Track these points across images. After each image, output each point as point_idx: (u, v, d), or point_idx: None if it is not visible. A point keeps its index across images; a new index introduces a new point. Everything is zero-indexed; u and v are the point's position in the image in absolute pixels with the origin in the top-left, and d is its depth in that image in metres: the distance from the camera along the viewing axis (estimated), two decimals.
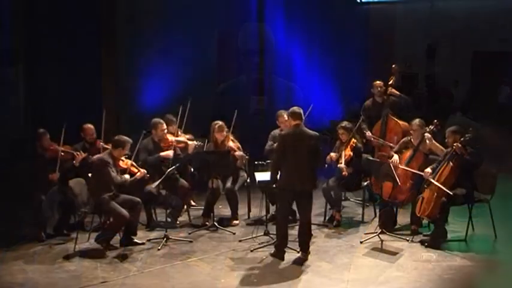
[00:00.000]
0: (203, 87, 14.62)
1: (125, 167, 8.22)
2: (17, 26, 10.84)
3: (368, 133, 9.40)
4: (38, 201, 8.31)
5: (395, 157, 8.47)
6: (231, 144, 9.02)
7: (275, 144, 8.81)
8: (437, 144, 8.34)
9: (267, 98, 15.28)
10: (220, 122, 9.08)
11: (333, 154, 8.80)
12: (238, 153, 9.00)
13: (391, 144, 9.17)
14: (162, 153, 8.81)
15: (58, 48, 12.37)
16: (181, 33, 14.74)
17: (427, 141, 8.32)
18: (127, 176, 8.11)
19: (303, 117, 7.64)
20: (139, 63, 14.78)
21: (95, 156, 8.40)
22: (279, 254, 7.53)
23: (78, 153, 8.58)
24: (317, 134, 7.51)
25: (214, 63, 14.90)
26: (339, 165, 8.65)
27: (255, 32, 15.20)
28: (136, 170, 8.32)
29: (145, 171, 8.41)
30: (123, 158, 8.22)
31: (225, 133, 9.03)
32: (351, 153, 8.70)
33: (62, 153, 8.46)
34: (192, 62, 14.85)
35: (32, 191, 8.39)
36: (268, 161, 8.68)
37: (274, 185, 7.62)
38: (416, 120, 8.55)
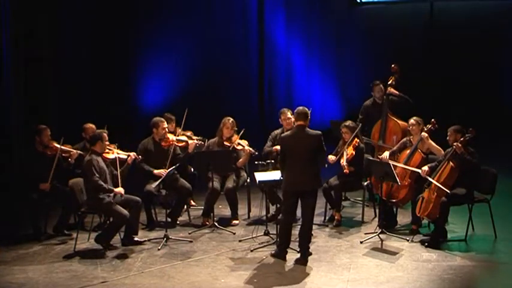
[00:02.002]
0: (204, 87, 14.63)
1: (113, 157, 8.20)
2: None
3: (362, 139, 9.33)
4: (32, 201, 8.33)
5: (386, 154, 8.49)
6: (239, 141, 9.01)
7: (275, 147, 8.86)
8: (434, 144, 8.34)
9: (268, 97, 15.27)
10: (232, 119, 9.09)
11: (332, 157, 8.76)
12: (248, 148, 8.97)
13: (389, 146, 9.15)
14: (155, 171, 8.71)
15: (57, 48, 12.39)
16: (182, 33, 14.75)
17: (425, 140, 8.32)
18: (121, 190, 7.99)
19: (309, 118, 7.57)
20: (140, 63, 14.79)
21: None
22: (281, 254, 7.51)
23: (74, 151, 8.59)
24: (319, 132, 7.48)
25: (215, 63, 14.89)
26: (341, 163, 8.65)
27: (255, 31, 15.20)
28: (125, 156, 8.32)
29: (134, 154, 8.41)
30: (107, 148, 8.19)
31: (233, 131, 9.03)
32: (353, 152, 8.70)
33: (61, 153, 8.46)
34: (193, 62, 14.85)
35: (28, 190, 8.42)
36: (268, 161, 8.68)
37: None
38: (413, 118, 8.55)
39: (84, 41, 13.67)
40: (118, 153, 8.33)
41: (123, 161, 8.35)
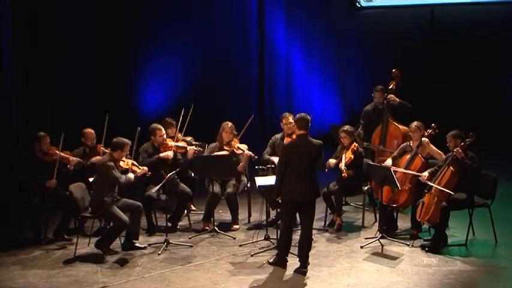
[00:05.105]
0: (203, 90, 14.62)
1: (126, 167, 8.24)
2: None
3: (363, 144, 9.31)
4: (32, 206, 8.34)
5: (388, 161, 8.50)
6: (238, 145, 9.01)
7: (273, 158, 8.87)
8: (435, 148, 8.35)
9: (268, 101, 15.27)
10: (231, 123, 9.08)
11: (331, 161, 8.76)
12: (247, 152, 8.96)
13: (390, 150, 9.16)
14: (161, 154, 8.80)
15: (56, 50, 12.38)
16: (181, 35, 14.75)
17: (425, 145, 8.32)
18: (131, 175, 8.12)
19: (309, 125, 7.39)
20: (140, 64, 14.79)
21: (95, 158, 8.50)
22: (280, 262, 7.46)
23: (73, 158, 8.60)
24: (321, 142, 7.42)
25: (215, 66, 14.89)
26: (339, 167, 8.64)
27: (255, 35, 15.20)
28: (137, 169, 8.35)
29: (147, 168, 8.43)
30: (123, 158, 8.23)
31: (233, 135, 9.03)
32: (352, 157, 8.69)
33: (61, 159, 8.47)
34: (193, 63, 14.85)
35: (28, 195, 8.43)
36: (268, 166, 8.70)
37: (278, 198, 7.54)
38: (414, 123, 8.56)
39: (84, 43, 13.67)
40: (132, 164, 8.34)
41: (134, 173, 8.35)
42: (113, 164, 7.96)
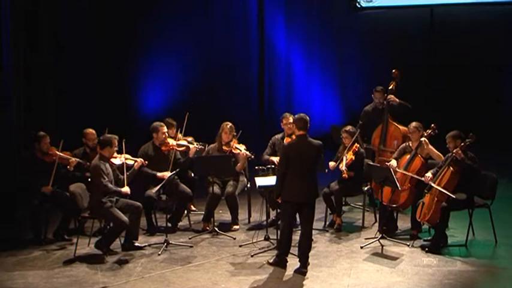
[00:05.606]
0: (204, 92, 14.62)
1: (120, 162, 8.22)
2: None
3: (363, 144, 9.32)
4: (32, 206, 8.34)
5: (393, 162, 8.49)
6: (236, 146, 9.00)
7: (272, 158, 8.91)
8: (434, 150, 8.34)
9: (268, 102, 15.27)
10: (230, 124, 9.08)
11: (332, 163, 8.75)
12: (244, 152, 8.95)
13: (390, 149, 9.17)
14: (158, 174, 8.71)
15: (57, 53, 12.39)
16: (182, 38, 14.75)
17: (424, 146, 8.33)
18: (127, 189, 8.07)
19: (308, 126, 7.42)
20: (140, 64, 14.79)
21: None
22: (280, 263, 7.46)
23: (73, 159, 8.60)
24: (320, 143, 7.43)
25: (215, 68, 14.89)
26: (339, 167, 8.65)
27: (255, 36, 15.20)
28: (132, 162, 8.33)
29: (142, 159, 8.42)
30: (115, 154, 8.21)
31: (232, 135, 9.02)
32: (353, 157, 8.70)
33: (60, 160, 8.46)
34: (193, 64, 14.86)
35: (28, 195, 8.44)
36: (269, 166, 8.69)
37: (278, 198, 7.53)
38: (413, 124, 8.56)
39: (84, 43, 13.67)
40: (126, 158, 8.35)
41: (129, 167, 8.36)
42: (102, 167, 7.88)
